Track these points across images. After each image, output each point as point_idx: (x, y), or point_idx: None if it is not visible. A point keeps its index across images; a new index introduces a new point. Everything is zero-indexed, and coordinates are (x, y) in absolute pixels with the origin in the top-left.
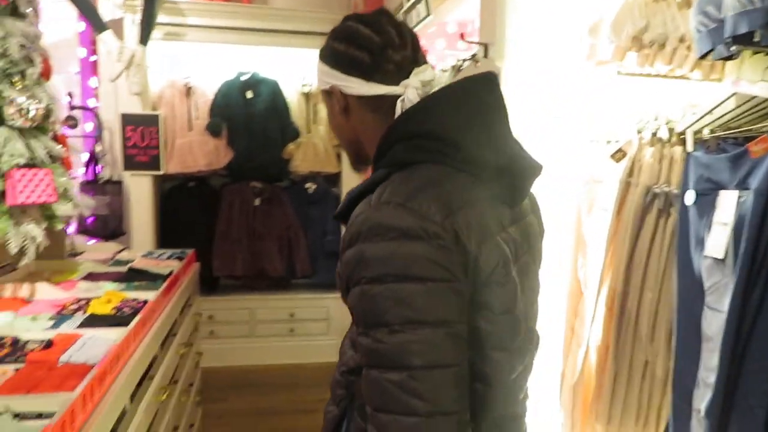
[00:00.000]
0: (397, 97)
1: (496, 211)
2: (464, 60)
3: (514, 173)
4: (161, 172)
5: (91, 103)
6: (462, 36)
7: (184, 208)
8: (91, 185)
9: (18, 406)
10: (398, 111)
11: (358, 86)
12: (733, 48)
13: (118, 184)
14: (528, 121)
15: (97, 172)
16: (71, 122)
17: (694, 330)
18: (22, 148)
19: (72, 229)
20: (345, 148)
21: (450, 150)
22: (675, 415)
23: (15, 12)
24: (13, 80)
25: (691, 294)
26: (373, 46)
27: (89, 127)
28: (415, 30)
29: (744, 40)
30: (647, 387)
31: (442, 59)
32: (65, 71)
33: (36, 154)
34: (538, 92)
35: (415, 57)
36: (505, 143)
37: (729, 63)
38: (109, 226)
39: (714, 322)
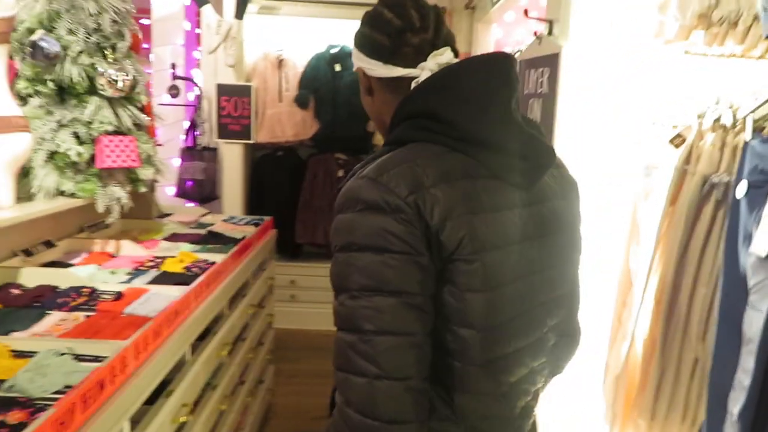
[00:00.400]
0: (411, 79)
1: (494, 191)
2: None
3: (525, 155)
4: (252, 141)
5: (195, 73)
6: (525, 12)
7: (272, 177)
8: (190, 151)
9: (79, 348)
10: None
11: (378, 68)
12: None
13: (214, 151)
14: (589, 103)
15: (196, 138)
16: (173, 91)
17: (735, 330)
18: (111, 116)
19: (172, 191)
20: (375, 125)
21: (445, 128)
22: (709, 417)
23: None
24: (105, 53)
25: (735, 292)
26: (392, 29)
27: (191, 96)
28: (498, 3)
29: None
30: (696, 386)
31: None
32: (172, 43)
33: (123, 122)
34: (601, 73)
35: (435, 40)
36: (510, 124)
37: None
38: (204, 190)
39: (755, 323)
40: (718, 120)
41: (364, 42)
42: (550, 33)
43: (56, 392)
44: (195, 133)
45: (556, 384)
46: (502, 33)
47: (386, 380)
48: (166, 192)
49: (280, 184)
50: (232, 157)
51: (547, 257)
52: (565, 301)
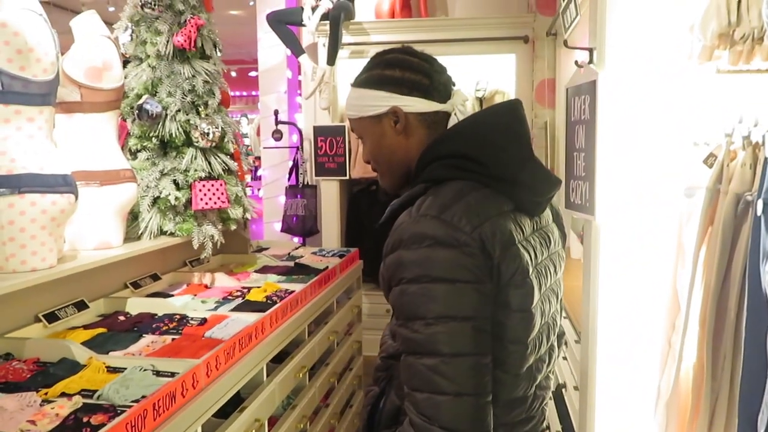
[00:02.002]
0: (445, 113)
1: (518, 221)
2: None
3: (535, 188)
4: (347, 178)
5: (297, 117)
6: (565, 43)
7: (367, 209)
8: (293, 189)
9: (161, 366)
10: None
11: (418, 104)
12: None
13: (314, 188)
14: (629, 127)
15: (299, 177)
16: (277, 135)
17: (762, 351)
18: (203, 164)
19: (279, 227)
20: (394, 171)
21: (478, 168)
22: None
23: (203, 54)
24: (199, 110)
25: (759, 311)
26: (424, 70)
27: (295, 138)
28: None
29: None
30: None
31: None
32: (276, 91)
33: (214, 168)
34: (640, 96)
35: (451, 80)
36: (526, 162)
37: None
38: (306, 225)
39: None
40: (747, 137)
41: (396, 82)
42: (590, 61)
43: (135, 401)
44: (297, 172)
45: (609, 409)
46: (584, 57)
47: (467, 396)
48: (275, 228)
49: (375, 216)
50: (329, 193)
51: (553, 272)
52: (560, 306)
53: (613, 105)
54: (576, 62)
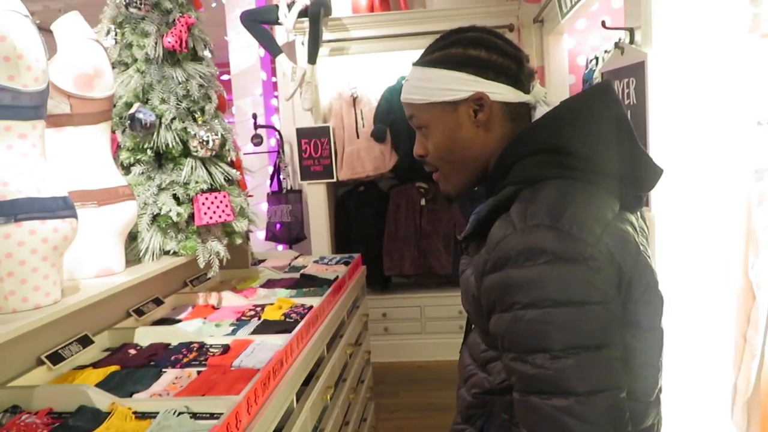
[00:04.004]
0: (527, 106)
1: (627, 222)
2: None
3: (642, 181)
4: (334, 180)
5: (274, 120)
6: (603, 23)
7: (356, 212)
8: (276, 195)
9: (195, 406)
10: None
11: (507, 93)
12: None
13: (299, 192)
14: (683, 108)
15: (281, 182)
16: (256, 140)
17: None
18: (204, 175)
19: (263, 235)
20: (465, 171)
21: (581, 164)
22: None
23: (195, 56)
24: (195, 117)
25: None
26: (512, 54)
27: (273, 142)
28: (570, 14)
29: None
30: None
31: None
32: (251, 94)
33: (215, 179)
34: (694, 76)
35: (532, 71)
36: (632, 151)
37: None
38: (292, 232)
39: None
40: None
41: (483, 64)
42: (632, 41)
43: None
44: (279, 177)
45: (678, 411)
46: (574, 42)
47: None
48: (258, 236)
49: (365, 218)
50: (316, 197)
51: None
52: None
53: (663, 87)
54: (616, 43)
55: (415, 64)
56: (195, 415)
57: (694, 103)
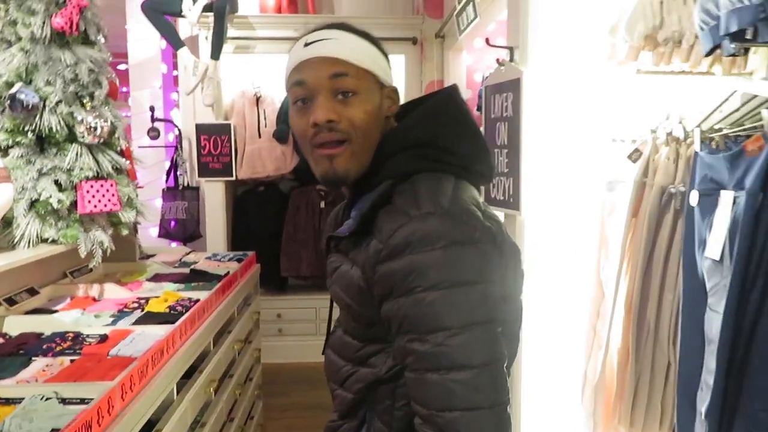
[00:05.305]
0: None
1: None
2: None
3: (487, 174)
4: (233, 178)
5: (173, 114)
6: (487, 41)
7: (255, 212)
8: (172, 191)
9: (65, 392)
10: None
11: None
12: (733, 45)
13: (196, 190)
14: (551, 123)
15: (178, 178)
16: (153, 133)
17: (699, 332)
18: (91, 162)
19: (155, 232)
20: (367, 152)
21: (449, 158)
22: (679, 418)
23: (86, 40)
24: (83, 102)
25: (696, 296)
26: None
27: (171, 137)
28: (466, 32)
29: (742, 37)
30: (671, 391)
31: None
32: (150, 86)
33: (102, 167)
34: (562, 94)
35: None
36: (484, 149)
37: (755, 57)
38: (187, 229)
39: (714, 324)
40: (670, 134)
41: (385, 63)
42: (511, 59)
43: None
44: (176, 173)
45: (538, 395)
46: (472, 59)
47: (498, 407)
48: (150, 233)
49: (263, 219)
50: (214, 195)
51: None
52: None
53: (535, 102)
54: (497, 60)
55: (342, 30)
56: (64, 401)
57: (560, 119)
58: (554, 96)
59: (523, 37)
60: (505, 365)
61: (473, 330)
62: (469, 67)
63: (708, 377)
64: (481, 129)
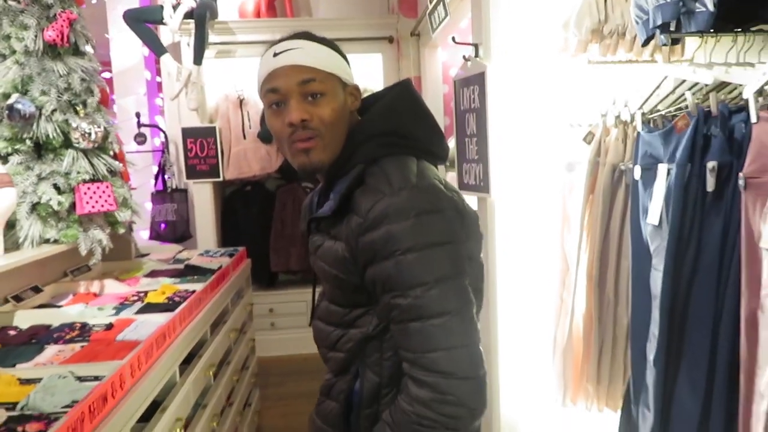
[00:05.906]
0: None
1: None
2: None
3: (441, 155)
4: (220, 179)
5: (158, 120)
6: (453, 39)
7: (243, 211)
8: (161, 194)
9: (80, 371)
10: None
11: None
12: (662, 37)
13: (184, 192)
14: (515, 112)
15: (166, 181)
16: (140, 139)
17: (646, 290)
18: (87, 166)
19: (146, 235)
20: (336, 144)
21: (411, 143)
22: (633, 367)
23: (77, 51)
24: (77, 109)
25: (642, 258)
26: None
27: (157, 141)
28: (438, 29)
29: (668, 29)
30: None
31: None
32: (134, 93)
33: (98, 170)
34: (523, 85)
35: None
36: (440, 135)
37: (692, 44)
38: (178, 230)
39: (657, 281)
40: (618, 117)
41: (346, 65)
42: (476, 55)
43: (65, 407)
44: (164, 176)
45: (513, 359)
46: (447, 55)
47: (472, 345)
48: (141, 236)
49: (252, 217)
50: (202, 197)
51: None
52: None
53: (499, 94)
54: (464, 56)
55: (306, 39)
56: (80, 378)
57: (523, 108)
58: (516, 87)
59: (486, 35)
60: (474, 310)
61: (446, 282)
62: (444, 63)
63: (654, 328)
64: (453, 120)
